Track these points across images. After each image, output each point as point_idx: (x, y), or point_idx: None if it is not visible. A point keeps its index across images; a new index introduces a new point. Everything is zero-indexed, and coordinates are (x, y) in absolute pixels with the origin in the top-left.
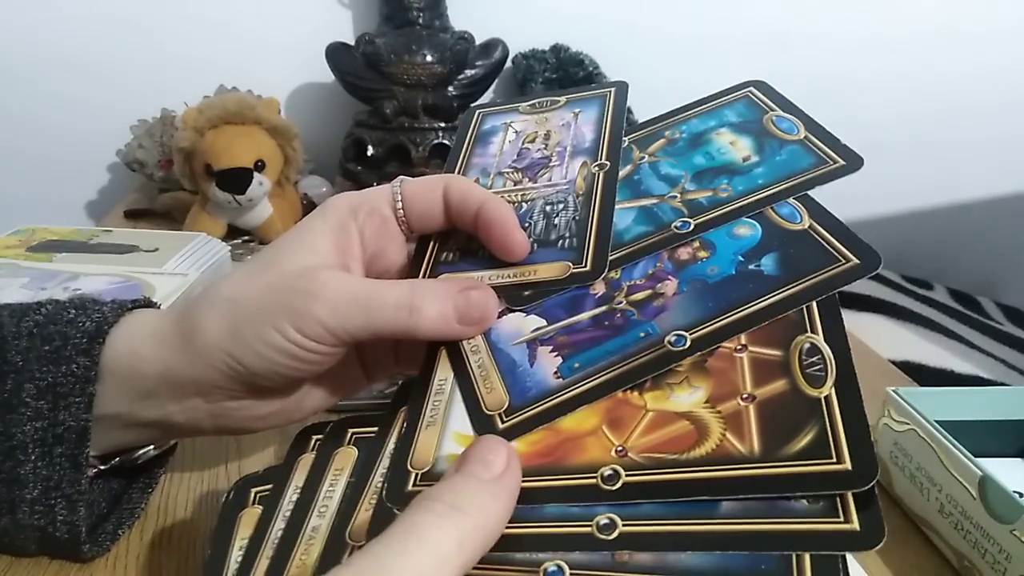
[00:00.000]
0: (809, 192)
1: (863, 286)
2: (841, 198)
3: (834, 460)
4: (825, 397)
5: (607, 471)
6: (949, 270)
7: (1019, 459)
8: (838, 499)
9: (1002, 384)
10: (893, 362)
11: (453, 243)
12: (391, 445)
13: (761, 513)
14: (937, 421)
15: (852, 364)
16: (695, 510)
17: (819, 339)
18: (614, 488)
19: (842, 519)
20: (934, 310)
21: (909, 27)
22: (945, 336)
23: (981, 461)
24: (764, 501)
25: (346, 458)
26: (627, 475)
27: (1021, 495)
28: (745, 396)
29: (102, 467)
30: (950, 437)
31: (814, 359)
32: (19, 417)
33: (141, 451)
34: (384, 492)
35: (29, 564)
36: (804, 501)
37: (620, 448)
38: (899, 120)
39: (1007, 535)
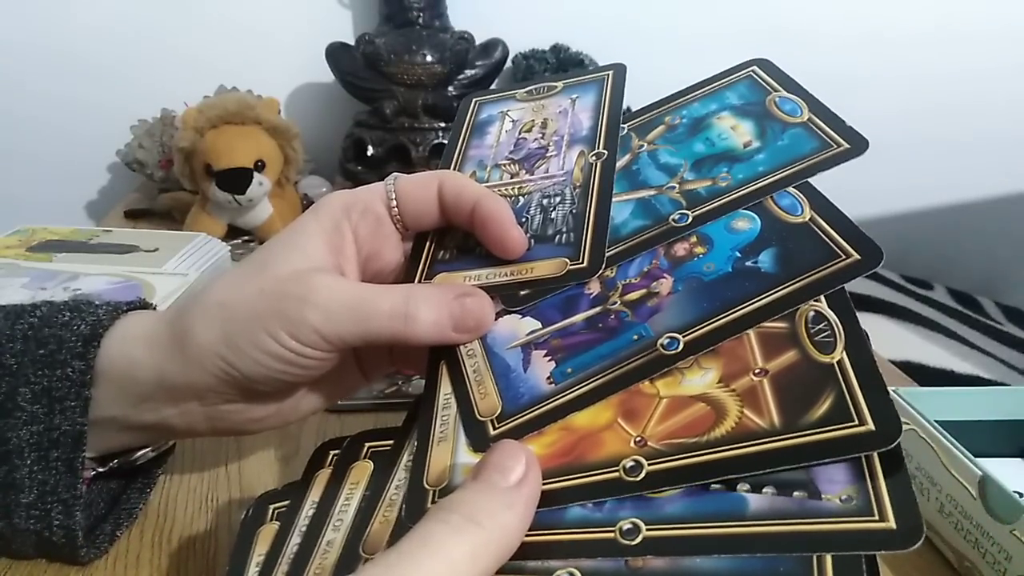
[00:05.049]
0: (813, 182)
1: (863, 286)
2: (841, 197)
3: (856, 423)
4: (838, 362)
5: (629, 463)
6: (949, 270)
7: (1019, 459)
8: (873, 496)
9: (1002, 384)
10: (893, 362)
11: (450, 241)
12: (407, 457)
13: (792, 513)
14: (937, 421)
15: (860, 326)
16: (722, 512)
17: (823, 306)
18: (638, 479)
19: (877, 517)
20: (934, 310)
21: (909, 25)
22: (945, 336)
23: (981, 461)
24: (794, 501)
25: (362, 472)
26: (649, 464)
27: (1021, 495)
28: (757, 371)
29: (100, 469)
30: (950, 437)
31: (821, 326)
32: (14, 421)
33: (139, 453)
34: (403, 512)
35: (29, 564)
36: (837, 500)
37: (639, 438)
38: (899, 119)
39: (1007, 535)
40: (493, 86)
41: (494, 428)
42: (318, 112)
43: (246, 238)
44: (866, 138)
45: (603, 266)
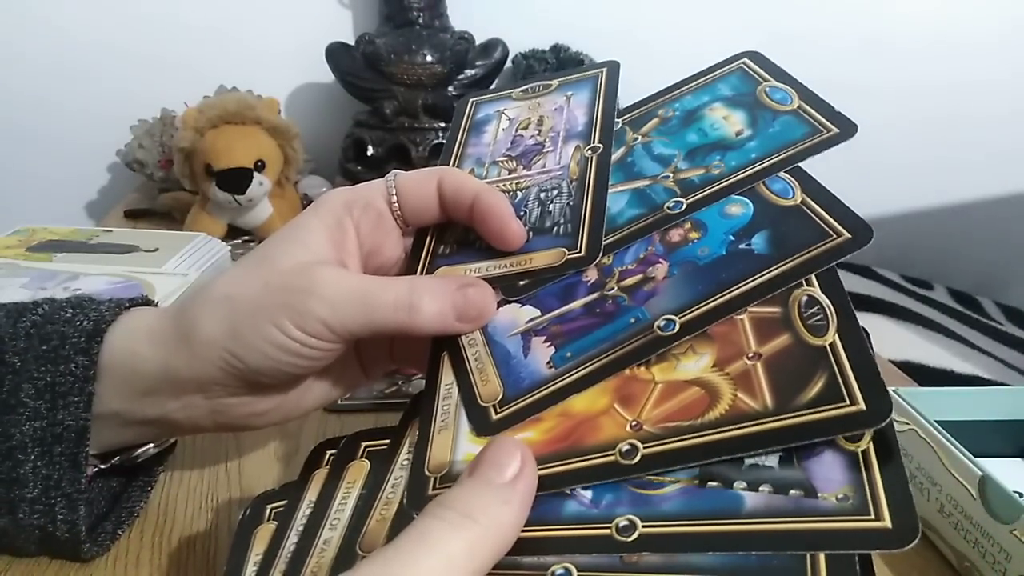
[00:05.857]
0: (807, 172)
1: (863, 286)
2: (841, 197)
3: (847, 403)
4: (830, 344)
5: (624, 446)
6: (949, 270)
7: (1019, 459)
8: (869, 495)
9: (1002, 384)
10: (893, 362)
11: (450, 235)
12: (403, 456)
13: (788, 512)
14: (937, 421)
15: (852, 309)
16: (718, 510)
17: (816, 290)
18: (633, 462)
19: (873, 516)
20: (934, 310)
21: (909, 31)
22: (945, 336)
23: (981, 461)
24: (791, 500)
25: (359, 471)
26: (645, 447)
27: (1021, 495)
28: (751, 355)
29: (102, 466)
30: (950, 437)
31: (814, 310)
32: (18, 417)
33: (141, 449)
34: (404, 499)
35: (29, 563)
36: (833, 499)
37: (635, 422)
38: (899, 120)
39: (1007, 535)
40: (493, 86)
41: (496, 413)
42: (318, 112)
43: (246, 238)
44: (855, 122)
45: (600, 254)
